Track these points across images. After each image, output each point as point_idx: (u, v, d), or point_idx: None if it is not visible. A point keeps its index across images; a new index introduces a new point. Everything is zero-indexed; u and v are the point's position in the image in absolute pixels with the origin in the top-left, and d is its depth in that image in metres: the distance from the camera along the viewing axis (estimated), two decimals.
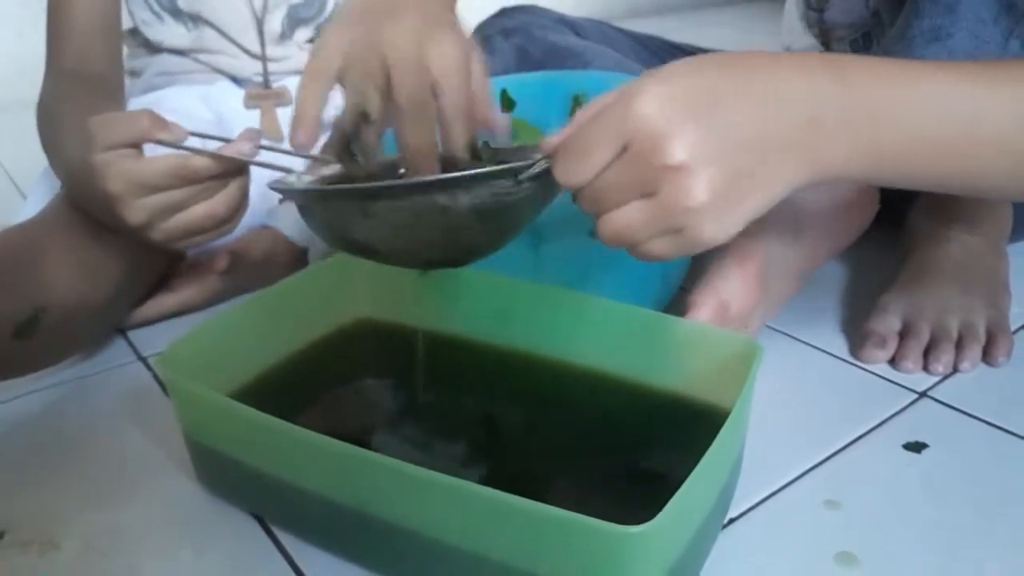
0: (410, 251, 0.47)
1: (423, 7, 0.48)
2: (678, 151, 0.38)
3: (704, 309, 0.56)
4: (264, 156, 0.61)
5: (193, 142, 0.62)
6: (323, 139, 0.92)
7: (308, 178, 0.53)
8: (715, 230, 0.40)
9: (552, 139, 0.42)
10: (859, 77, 0.41)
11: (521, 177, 0.43)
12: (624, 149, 0.39)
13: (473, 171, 0.42)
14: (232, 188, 0.62)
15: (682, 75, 0.39)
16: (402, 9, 0.48)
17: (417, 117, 0.47)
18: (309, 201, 0.48)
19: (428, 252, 0.48)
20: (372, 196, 0.44)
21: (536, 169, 0.43)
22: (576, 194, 0.41)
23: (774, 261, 0.64)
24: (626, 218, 0.40)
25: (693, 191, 0.38)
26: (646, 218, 0.40)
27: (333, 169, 0.54)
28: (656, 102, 0.38)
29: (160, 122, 0.60)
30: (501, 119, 0.50)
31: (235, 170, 0.61)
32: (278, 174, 0.57)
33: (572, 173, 0.40)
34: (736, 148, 0.39)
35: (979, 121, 0.41)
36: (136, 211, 0.60)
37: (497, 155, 0.52)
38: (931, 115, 0.41)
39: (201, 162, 0.60)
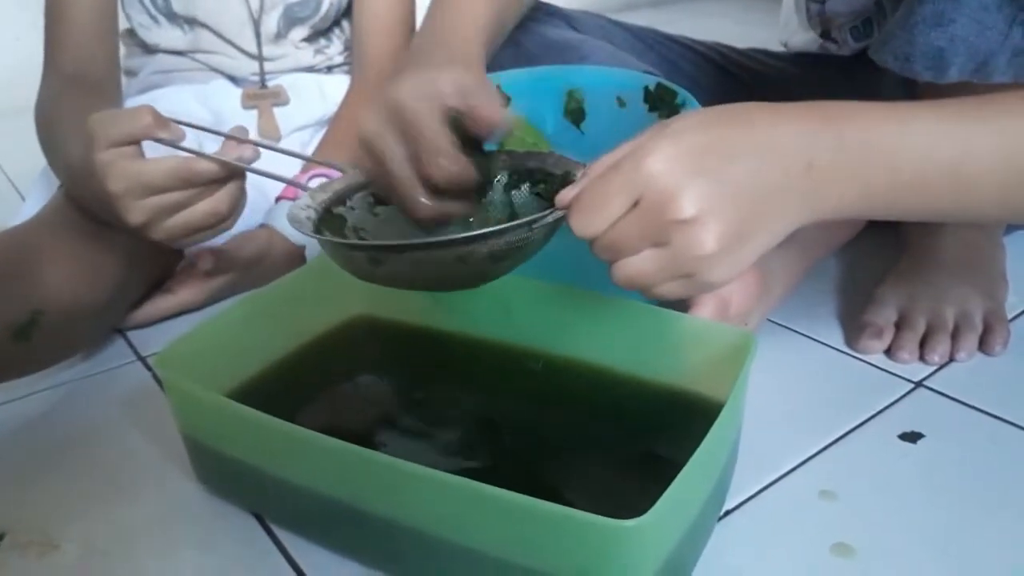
0: (425, 285, 0.50)
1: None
2: (688, 206, 0.40)
3: (705, 308, 0.57)
4: (263, 156, 0.62)
5: (190, 135, 0.63)
6: (318, 136, 0.92)
7: (321, 196, 0.53)
8: (723, 273, 0.43)
9: (567, 194, 0.44)
10: (851, 124, 0.43)
11: (535, 227, 0.46)
12: (636, 203, 0.41)
13: (491, 229, 0.45)
14: (232, 187, 0.63)
15: (689, 132, 0.42)
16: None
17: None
18: (329, 249, 0.50)
19: (443, 286, 0.50)
20: (392, 250, 0.47)
21: (549, 219, 0.46)
22: (591, 243, 0.44)
23: (773, 261, 0.64)
24: (639, 266, 0.43)
25: (703, 242, 0.41)
26: (659, 266, 0.42)
27: (344, 182, 0.55)
28: (665, 159, 0.41)
29: (161, 120, 0.61)
30: (500, 120, 0.52)
31: (236, 173, 0.62)
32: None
33: (587, 226, 0.43)
34: (741, 198, 0.41)
35: (966, 158, 0.43)
36: (136, 211, 0.61)
37: (512, 161, 0.54)
38: (919, 156, 0.43)
39: (204, 166, 0.61)
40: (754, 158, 0.42)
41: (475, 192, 0.54)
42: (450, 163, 0.50)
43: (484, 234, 0.45)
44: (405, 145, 0.51)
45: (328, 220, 0.52)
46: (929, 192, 0.44)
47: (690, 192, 0.40)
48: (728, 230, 0.41)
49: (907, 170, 0.43)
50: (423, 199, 0.52)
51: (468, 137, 0.52)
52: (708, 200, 0.40)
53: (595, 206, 0.42)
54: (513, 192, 0.54)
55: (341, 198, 0.54)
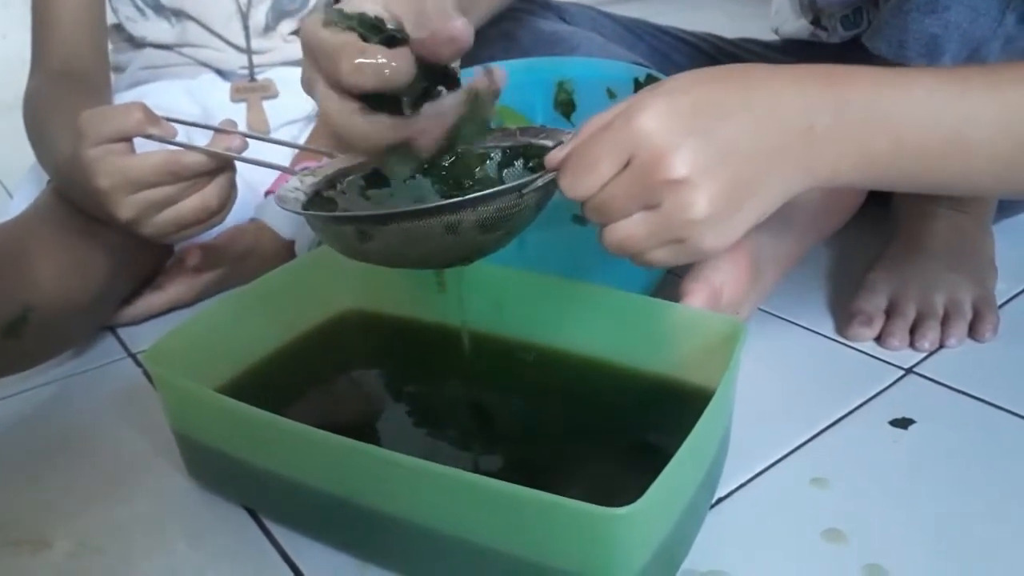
0: (416, 260, 0.49)
1: None
2: (680, 166, 0.39)
3: (697, 297, 0.57)
4: (252, 148, 0.62)
5: (179, 131, 0.63)
6: (308, 130, 0.92)
7: (311, 179, 0.53)
8: (716, 239, 0.41)
9: (557, 154, 0.43)
10: (852, 87, 0.42)
11: (525, 192, 0.45)
12: (627, 163, 0.40)
13: (479, 193, 0.43)
14: (222, 180, 0.63)
15: (682, 90, 0.41)
16: None
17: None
18: (318, 223, 0.49)
19: (434, 261, 0.49)
20: (380, 221, 0.45)
21: (539, 183, 0.44)
22: (582, 205, 0.43)
23: (764, 249, 0.64)
24: (630, 229, 0.41)
25: (695, 204, 0.40)
26: (649, 229, 0.41)
27: (334, 167, 0.54)
28: (657, 117, 0.40)
29: (152, 116, 0.61)
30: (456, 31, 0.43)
31: (225, 165, 0.62)
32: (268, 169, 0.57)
33: (577, 187, 0.42)
34: (734, 160, 0.40)
35: (967, 127, 0.42)
36: (126, 207, 0.61)
37: (503, 137, 0.53)
38: (920, 123, 0.42)
39: (192, 158, 0.60)
40: (751, 118, 0.40)
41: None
42: (370, 57, 0.41)
43: (473, 199, 0.43)
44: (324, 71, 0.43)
45: (317, 203, 0.52)
46: (929, 159, 0.43)
47: (682, 151, 0.39)
48: (721, 193, 0.40)
49: (909, 135, 0.42)
50: (362, 119, 0.43)
51: (427, 70, 0.46)
52: (701, 160, 0.39)
53: (585, 166, 0.41)
54: (506, 171, 0.54)
55: (331, 182, 0.53)
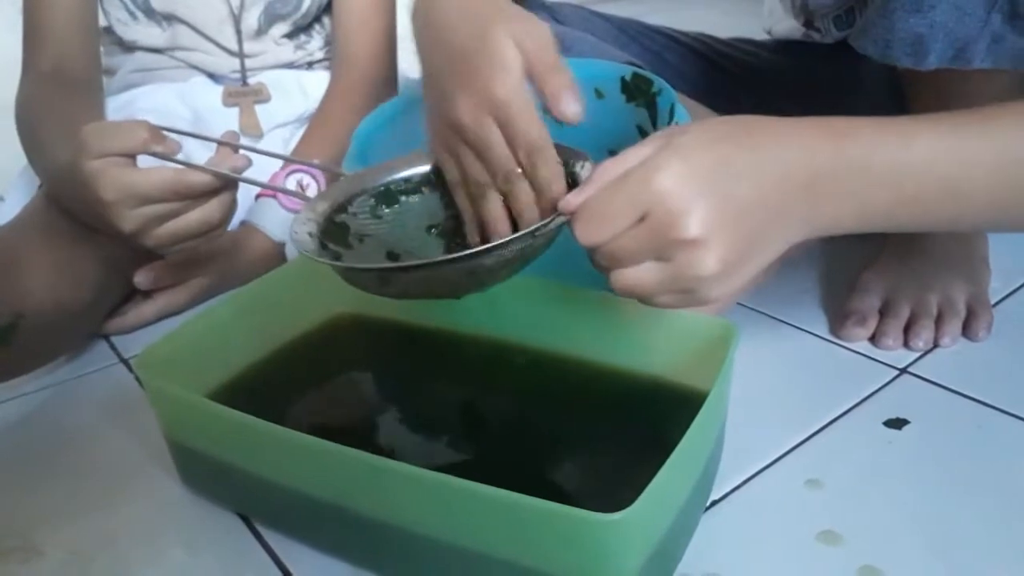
0: (431, 296, 0.50)
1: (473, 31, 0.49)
2: (693, 227, 0.41)
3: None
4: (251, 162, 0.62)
5: (177, 138, 0.63)
6: (299, 132, 0.92)
7: (322, 205, 0.52)
8: (721, 290, 0.43)
9: (572, 201, 0.44)
10: (853, 140, 0.44)
11: (538, 234, 0.46)
12: (642, 218, 0.42)
13: (497, 242, 0.45)
14: (224, 197, 0.64)
15: (699, 150, 0.42)
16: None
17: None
18: (339, 271, 0.49)
19: (447, 295, 0.50)
20: (398, 271, 0.47)
21: (553, 226, 0.46)
22: (592, 251, 0.44)
23: None
24: (639, 277, 0.43)
25: (705, 262, 0.42)
26: (659, 279, 0.43)
27: (342, 187, 0.54)
28: (675, 177, 0.41)
29: (157, 135, 0.61)
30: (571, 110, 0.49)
31: (228, 184, 0.62)
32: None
33: (591, 236, 0.43)
34: (745, 219, 0.42)
35: (966, 177, 0.44)
36: (128, 220, 0.62)
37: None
38: (921, 173, 0.44)
39: (198, 178, 0.61)
40: (759, 178, 0.42)
41: None
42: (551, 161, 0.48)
43: (490, 248, 0.45)
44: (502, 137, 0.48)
45: (331, 230, 0.51)
46: (927, 207, 0.45)
47: (697, 213, 0.41)
48: (730, 251, 0.42)
49: (908, 187, 0.44)
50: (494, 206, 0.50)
51: None
52: (714, 222, 0.41)
53: (600, 216, 0.43)
54: None
55: (342, 205, 0.53)
